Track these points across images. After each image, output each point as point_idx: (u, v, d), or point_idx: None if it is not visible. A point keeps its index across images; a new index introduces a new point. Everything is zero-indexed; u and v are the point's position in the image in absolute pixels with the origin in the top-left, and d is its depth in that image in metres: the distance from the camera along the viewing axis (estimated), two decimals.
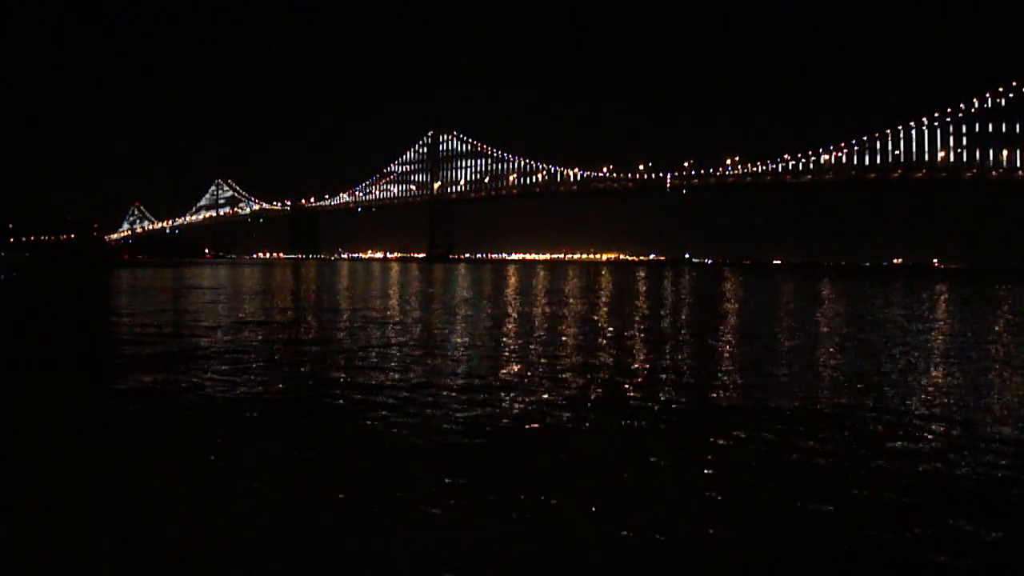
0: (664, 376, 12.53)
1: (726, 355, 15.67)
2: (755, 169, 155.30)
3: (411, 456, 7.39)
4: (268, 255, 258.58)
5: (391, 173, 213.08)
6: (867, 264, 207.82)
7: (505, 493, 6.29)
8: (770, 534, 5.58)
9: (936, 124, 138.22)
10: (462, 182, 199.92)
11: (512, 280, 62.86)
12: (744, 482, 6.69)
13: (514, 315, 25.41)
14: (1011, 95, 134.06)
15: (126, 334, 18.42)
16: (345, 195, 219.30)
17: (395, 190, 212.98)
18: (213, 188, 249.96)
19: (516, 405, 9.88)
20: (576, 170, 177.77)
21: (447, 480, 6.58)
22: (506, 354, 15.09)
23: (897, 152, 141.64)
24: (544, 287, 49.72)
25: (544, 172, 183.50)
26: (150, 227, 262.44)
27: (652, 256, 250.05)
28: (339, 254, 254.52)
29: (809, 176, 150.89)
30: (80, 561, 5.06)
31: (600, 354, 15.31)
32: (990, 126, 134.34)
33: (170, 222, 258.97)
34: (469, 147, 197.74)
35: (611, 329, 20.76)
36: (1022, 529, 5.72)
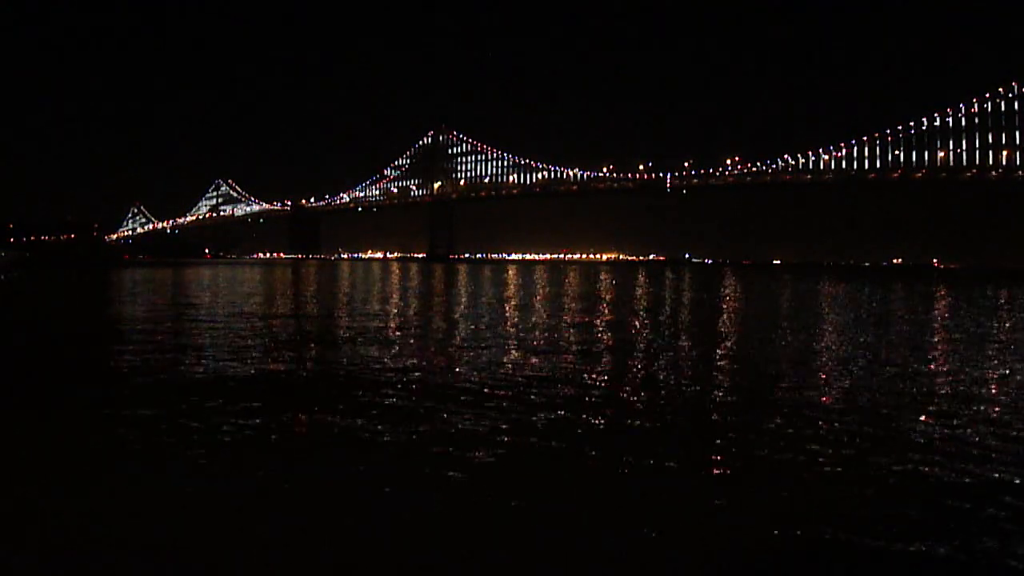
0: (667, 378, 12.54)
1: (729, 357, 15.68)
2: (755, 169, 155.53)
3: (412, 458, 7.40)
4: (268, 255, 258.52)
5: (391, 173, 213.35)
6: (867, 264, 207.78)
7: (504, 498, 6.30)
8: (774, 538, 5.59)
9: (936, 124, 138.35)
10: (462, 182, 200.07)
11: (512, 280, 62.87)
12: (746, 484, 6.71)
13: (516, 316, 25.42)
14: (1011, 95, 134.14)
15: (117, 337, 18.42)
16: (345, 195, 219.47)
17: (395, 190, 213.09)
18: (213, 188, 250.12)
19: (516, 406, 9.88)
20: (576, 170, 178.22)
21: (446, 481, 6.60)
22: (507, 355, 15.08)
23: (897, 152, 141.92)
24: (544, 287, 49.74)
25: (544, 172, 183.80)
26: (150, 227, 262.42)
27: (652, 256, 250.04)
28: (339, 254, 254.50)
29: (809, 176, 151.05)
30: (84, 555, 5.07)
31: (601, 357, 15.32)
32: (990, 126, 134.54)
33: (170, 222, 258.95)
34: (469, 147, 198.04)
35: (613, 329, 20.77)
36: (1021, 530, 5.73)
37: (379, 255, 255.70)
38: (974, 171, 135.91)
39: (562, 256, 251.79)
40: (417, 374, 12.47)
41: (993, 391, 11.64)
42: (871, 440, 8.23)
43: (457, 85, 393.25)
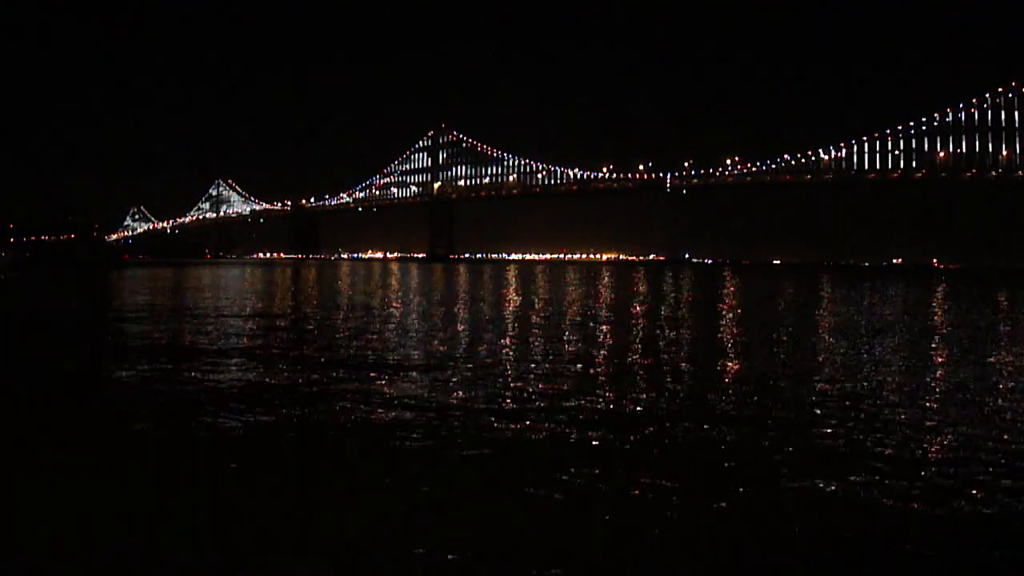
0: (667, 382, 12.54)
1: (729, 357, 15.69)
2: (755, 169, 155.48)
3: (416, 471, 7.40)
4: (268, 255, 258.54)
5: (391, 173, 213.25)
6: (867, 264, 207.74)
7: (504, 501, 6.31)
8: (774, 540, 5.59)
9: (936, 124, 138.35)
10: (462, 182, 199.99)
11: (513, 281, 62.88)
12: (746, 487, 6.71)
13: (516, 318, 25.41)
14: (1011, 95, 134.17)
15: (116, 339, 18.42)
16: (345, 195, 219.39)
17: (395, 190, 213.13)
18: (213, 188, 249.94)
19: (518, 413, 9.88)
20: (576, 170, 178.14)
21: (450, 496, 6.60)
22: (509, 359, 15.08)
23: (897, 152, 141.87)
24: (544, 288, 49.74)
25: (544, 172, 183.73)
26: (150, 227, 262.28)
27: (652, 256, 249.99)
28: (339, 254, 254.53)
29: (809, 176, 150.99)
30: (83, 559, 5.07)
31: (599, 359, 15.33)
32: (990, 126, 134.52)
33: (170, 222, 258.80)
34: (469, 147, 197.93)
35: (613, 330, 20.78)
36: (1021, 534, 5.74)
37: (379, 255, 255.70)
38: (974, 171, 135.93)
39: (562, 256, 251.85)
40: (417, 376, 12.47)
41: (994, 391, 11.63)
42: (873, 443, 8.22)
43: (457, 85, 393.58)
